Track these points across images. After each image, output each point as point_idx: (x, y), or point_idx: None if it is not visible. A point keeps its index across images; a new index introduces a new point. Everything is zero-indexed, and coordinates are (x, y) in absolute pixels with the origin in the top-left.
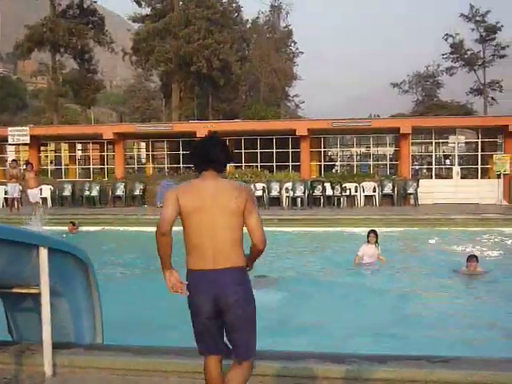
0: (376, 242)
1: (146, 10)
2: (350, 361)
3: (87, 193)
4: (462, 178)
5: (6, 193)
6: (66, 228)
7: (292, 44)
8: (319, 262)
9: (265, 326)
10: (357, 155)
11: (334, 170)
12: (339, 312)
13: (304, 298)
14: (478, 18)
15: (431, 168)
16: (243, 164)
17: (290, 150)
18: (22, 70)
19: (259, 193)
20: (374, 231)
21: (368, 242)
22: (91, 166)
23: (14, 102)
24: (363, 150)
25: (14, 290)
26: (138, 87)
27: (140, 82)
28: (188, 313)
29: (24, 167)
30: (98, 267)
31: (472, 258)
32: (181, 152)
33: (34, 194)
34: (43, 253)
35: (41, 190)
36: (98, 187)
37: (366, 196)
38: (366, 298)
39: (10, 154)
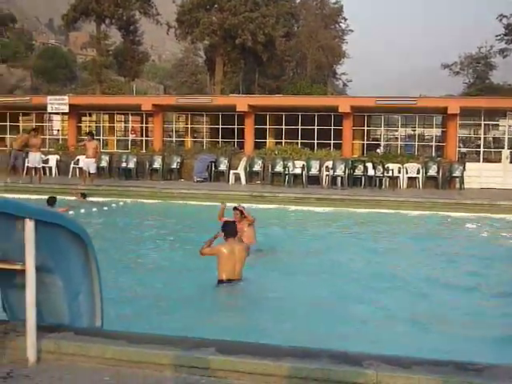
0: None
1: None
2: (368, 363)
3: (124, 164)
4: (511, 162)
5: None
6: (102, 199)
7: (342, 21)
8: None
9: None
10: (401, 135)
11: (377, 150)
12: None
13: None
14: None
15: (479, 151)
16: (283, 140)
17: (332, 128)
18: (74, 42)
19: (298, 171)
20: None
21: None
22: (129, 138)
23: (63, 74)
24: (408, 130)
25: None
26: (185, 61)
27: (188, 57)
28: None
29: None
30: (122, 241)
31: None
32: (220, 126)
33: (87, 164)
34: (29, 225)
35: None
36: (135, 159)
37: (409, 178)
38: (392, 285)
39: (56, 124)
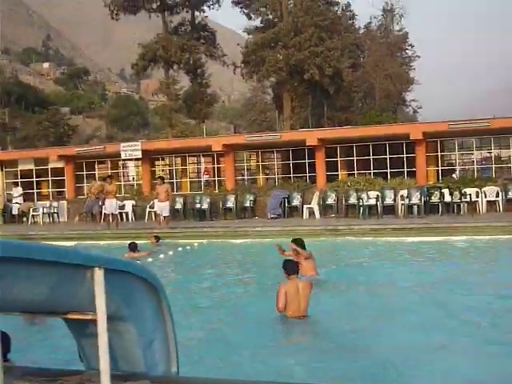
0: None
1: (256, 22)
2: None
3: (198, 205)
4: None
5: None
6: (178, 241)
7: (408, 47)
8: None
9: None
10: (477, 159)
11: (453, 175)
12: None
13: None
14: None
15: None
16: (355, 172)
17: (405, 156)
18: (146, 89)
19: (372, 201)
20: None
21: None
22: (203, 179)
23: (136, 120)
24: (484, 152)
25: (69, 316)
26: (254, 100)
27: (256, 95)
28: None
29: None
30: (194, 282)
31: None
32: (291, 161)
33: (160, 208)
34: (98, 274)
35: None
36: (208, 200)
37: (488, 202)
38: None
39: (131, 170)
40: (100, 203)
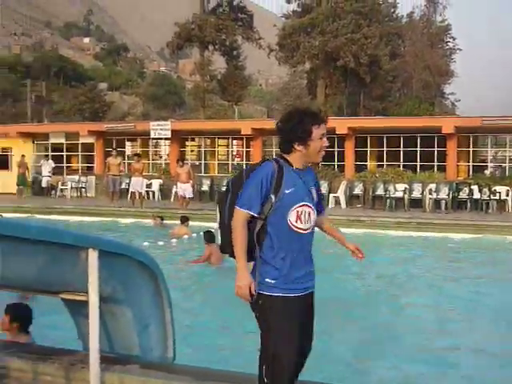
0: None
1: (294, 5)
2: None
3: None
4: None
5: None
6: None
7: (450, 40)
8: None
9: None
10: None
11: (486, 172)
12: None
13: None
14: None
15: None
16: (385, 163)
17: (436, 149)
18: (183, 70)
19: (400, 194)
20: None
21: None
22: (229, 162)
23: (173, 100)
24: None
25: (62, 296)
26: (291, 85)
27: (293, 80)
28: None
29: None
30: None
31: None
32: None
33: (183, 189)
34: (92, 256)
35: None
36: None
37: None
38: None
39: (164, 149)
40: (120, 180)
